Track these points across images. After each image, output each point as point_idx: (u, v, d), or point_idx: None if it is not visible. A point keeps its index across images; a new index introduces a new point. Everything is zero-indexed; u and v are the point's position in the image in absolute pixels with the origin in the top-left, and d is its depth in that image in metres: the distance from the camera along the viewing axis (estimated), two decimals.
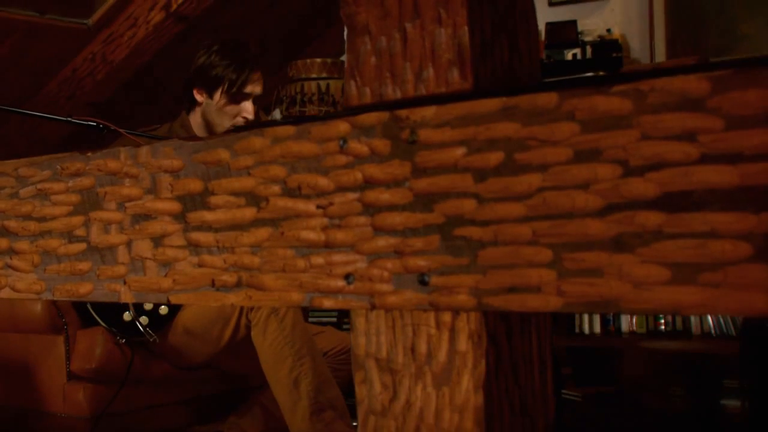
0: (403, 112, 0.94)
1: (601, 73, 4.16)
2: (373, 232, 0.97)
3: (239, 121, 3.16)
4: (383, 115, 0.95)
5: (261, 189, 1.08)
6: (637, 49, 4.36)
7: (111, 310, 3.02)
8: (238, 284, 1.10)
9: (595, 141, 0.81)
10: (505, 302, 0.86)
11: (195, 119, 3.26)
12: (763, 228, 0.70)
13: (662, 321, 3.98)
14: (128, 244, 1.25)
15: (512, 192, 0.85)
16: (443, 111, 0.91)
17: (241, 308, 2.97)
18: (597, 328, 4.08)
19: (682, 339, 3.89)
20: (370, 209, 0.96)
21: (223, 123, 3.17)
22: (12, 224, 1.43)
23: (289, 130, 1.04)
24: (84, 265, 1.31)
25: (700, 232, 0.72)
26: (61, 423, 3.00)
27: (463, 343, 0.95)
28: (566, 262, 0.80)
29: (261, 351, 2.93)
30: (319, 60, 5.44)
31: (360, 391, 1.04)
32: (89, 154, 1.33)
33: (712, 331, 3.84)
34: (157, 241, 1.22)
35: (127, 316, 3.00)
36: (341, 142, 0.99)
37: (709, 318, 3.84)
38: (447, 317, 0.97)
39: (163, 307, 3.06)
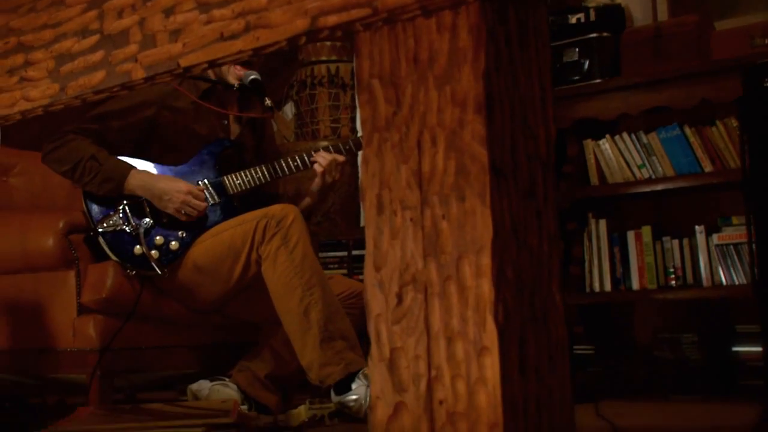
0: None
1: (605, 34, 4.20)
2: None
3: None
4: None
5: None
6: (640, 16, 4.40)
7: (122, 244, 3.04)
8: (246, 29, 1.12)
9: None
10: None
11: None
12: None
13: (673, 276, 3.98)
14: (140, 23, 1.28)
15: None
16: None
17: (252, 243, 2.98)
18: (608, 287, 4.07)
19: (693, 290, 3.89)
20: None
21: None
22: (28, 38, 1.46)
23: None
24: (97, 56, 1.33)
25: None
26: (71, 358, 3.01)
27: (463, 39, 0.97)
28: None
29: (271, 283, 2.94)
30: (328, 43, 5.49)
31: (364, 111, 1.06)
32: None
33: (723, 281, 3.83)
34: (168, 11, 1.24)
35: (137, 249, 3.02)
36: None
37: (720, 270, 3.84)
38: (447, 18, 0.99)
39: (173, 242, 3.08)
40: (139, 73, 1.27)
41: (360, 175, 1.06)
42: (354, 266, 4.73)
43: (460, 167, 0.95)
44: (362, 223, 5.41)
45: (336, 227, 5.19)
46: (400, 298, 0.98)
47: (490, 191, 0.93)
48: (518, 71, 1.02)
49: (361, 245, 4.89)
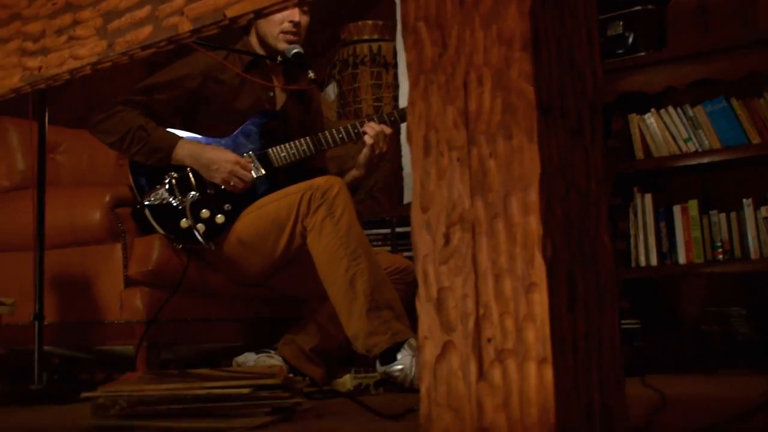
0: None
1: (650, 6, 4.15)
2: None
3: (286, 26, 3.22)
4: None
5: None
6: None
7: (168, 217, 3.06)
8: None
9: None
10: None
11: (253, 39, 3.32)
12: None
13: (720, 249, 3.93)
14: None
15: None
16: None
17: (296, 215, 2.99)
18: (654, 261, 4.04)
19: (741, 264, 3.85)
20: None
21: (273, 31, 3.25)
22: None
23: None
24: (143, 11, 1.34)
25: None
26: (118, 330, 3.04)
27: None
28: None
29: (316, 254, 2.95)
30: (370, 22, 5.49)
31: (410, 54, 1.05)
32: None
33: None
34: None
35: (184, 223, 3.04)
36: None
37: None
38: None
39: (219, 216, 3.10)
40: (185, 26, 1.28)
41: (407, 122, 1.05)
42: (398, 243, 4.73)
43: (506, 105, 0.95)
44: (405, 201, 5.41)
45: (379, 205, 5.19)
46: (447, 238, 0.98)
47: (537, 128, 0.93)
48: (564, 12, 1.01)
49: (405, 223, 4.89)
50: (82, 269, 3.17)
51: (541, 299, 0.90)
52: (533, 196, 0.92)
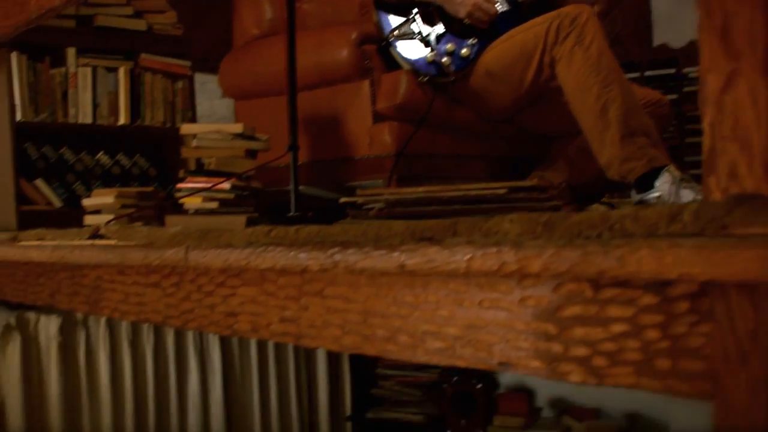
0: None
1: None
2: None
3: None
4: None
5: None
6: None
7: (414, 52, 3.04)
8: None
9: None
10: None
11: None
12: None
13: None
14: None
15: None
16: None
17: (544, 44, 2.90)
18: None
19: None
20: None
21: None
22: None
23: None
24: None
25: None
26: (368, 165, 3.08)
27: None
28: None
29: (566, 84, 2.85)
30: None
31: None
32: None
33: None
34: None
35: (429, 56, 3.02)
36: None
37: None
38: None
39: (464, 49, 3.05)
40: None
41: None
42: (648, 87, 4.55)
43: None
44: (654, 44, 5.17)
45: (627, 52, 4.99)
46: None
47: None
48: None
49: (654, 66, 4.70)
50: (332, 108, 3.22)
51: None
52: None
